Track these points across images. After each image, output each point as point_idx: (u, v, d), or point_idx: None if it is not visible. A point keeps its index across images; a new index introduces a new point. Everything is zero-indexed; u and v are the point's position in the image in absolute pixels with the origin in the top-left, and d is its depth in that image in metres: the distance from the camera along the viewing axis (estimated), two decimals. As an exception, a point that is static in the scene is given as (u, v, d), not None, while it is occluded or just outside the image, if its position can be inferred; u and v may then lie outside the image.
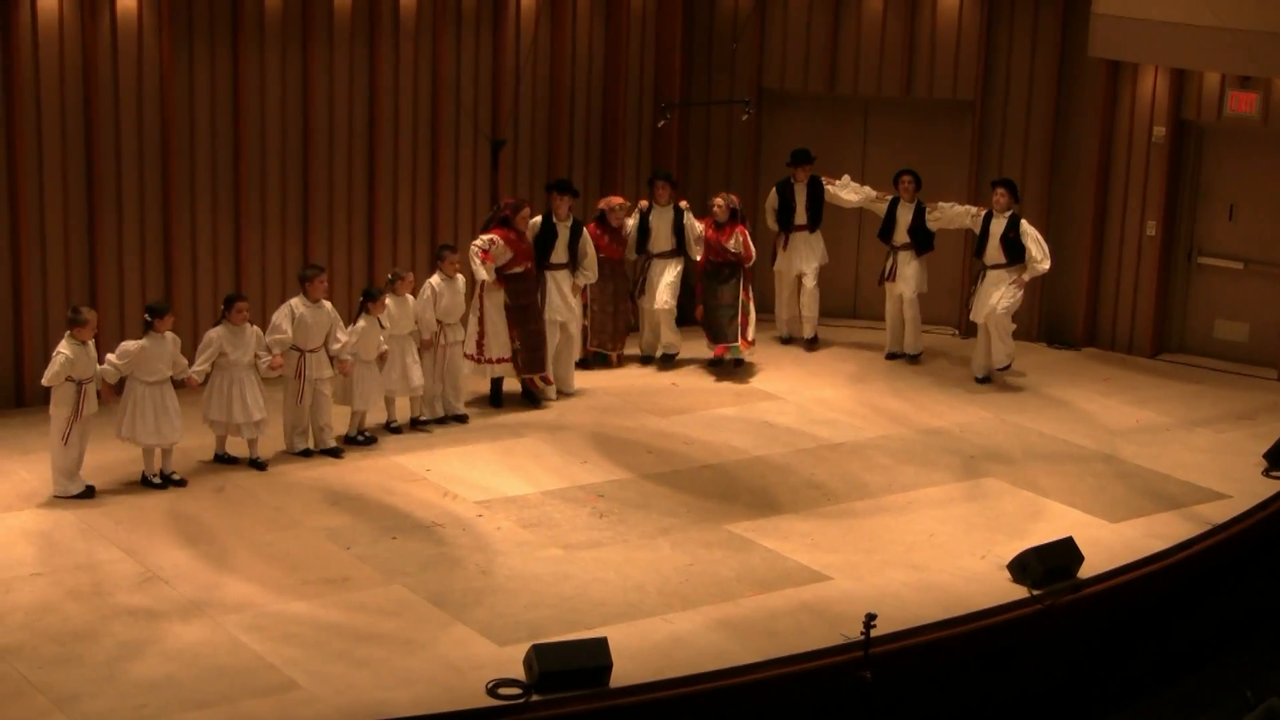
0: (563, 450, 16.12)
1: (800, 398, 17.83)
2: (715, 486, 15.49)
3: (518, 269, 16.99)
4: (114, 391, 14.93)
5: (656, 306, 18.48)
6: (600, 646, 11.89)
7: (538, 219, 17.49)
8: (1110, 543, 14.46)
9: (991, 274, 18.20)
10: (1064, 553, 13.79)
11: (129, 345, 14.75)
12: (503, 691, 11.65)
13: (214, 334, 15.25)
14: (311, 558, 13.69)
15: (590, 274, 17.78)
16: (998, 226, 18.09)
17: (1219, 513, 15.19)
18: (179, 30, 16.73)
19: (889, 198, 18.88)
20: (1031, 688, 13.50)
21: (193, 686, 11.62)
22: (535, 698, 11.61)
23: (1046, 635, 13.39)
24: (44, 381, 14.42)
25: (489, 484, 15.29)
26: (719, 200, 18.34)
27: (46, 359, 16.35)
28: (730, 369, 18.48)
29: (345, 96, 17.72)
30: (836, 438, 16.74)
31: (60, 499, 14.53)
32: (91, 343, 14.54)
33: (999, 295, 18.08)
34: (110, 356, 14.78)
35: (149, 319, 14.85)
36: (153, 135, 16.78)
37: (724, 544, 14.25)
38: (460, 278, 16.59)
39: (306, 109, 17.50)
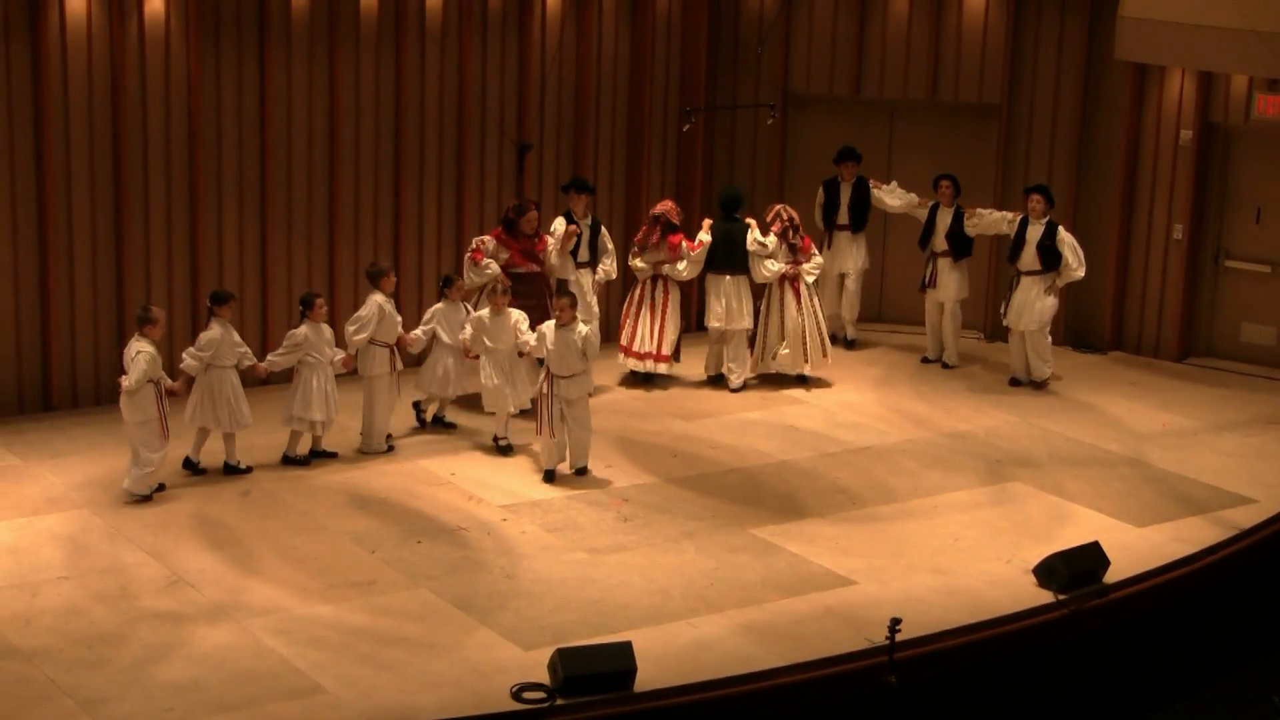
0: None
1: (826, 402, 17.82)
2: (740, 490, 15.48)
3: (519, 269, 16.96)
4: (186, 384, 15.18)
5: (740, 327, 18.27)
6: (625, 650, 11.90)
7: (560, 222, 17.48)
8: (1137, 547, 14.42)
9: (1026, 280, 18.19)
10: (1090, 557, 13.76)
11: (209, 335, 15.07)
12: (527, 695, 11.66)
13: (301, 333, 15.48)
14: (337, 561, 13.72)
15: (609, 270, 17.76)
16: (1034, 233, 18.07)
17: (1246, 517, 15.15)
18: (206, 35, 16.78)
19: (930, 203, 18.88)
20: (1057, 693, 13.47)
21: (219, 690, 11.66)
22: (560, 702, 11.62)
23: (1072, 640, 13.36)
24: (130, 386, 14.42)
25: (513, 488, 15.30)
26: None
27: (74, 364, 16.54)
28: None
29: (371, 101, 17.75)
30: (862, 442, 16.72)
31: (137, 498, 14.73)
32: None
33: (1038, 310, 18.04)
34: (190, 349, 15.14)
35: (213, 307, 15.19)
36: (180, 140, 16.83)
37: (749, 548, 14.24)
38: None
39: (332, 113, 17.53)
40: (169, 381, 14.88)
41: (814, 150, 20.22)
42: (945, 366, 19.01)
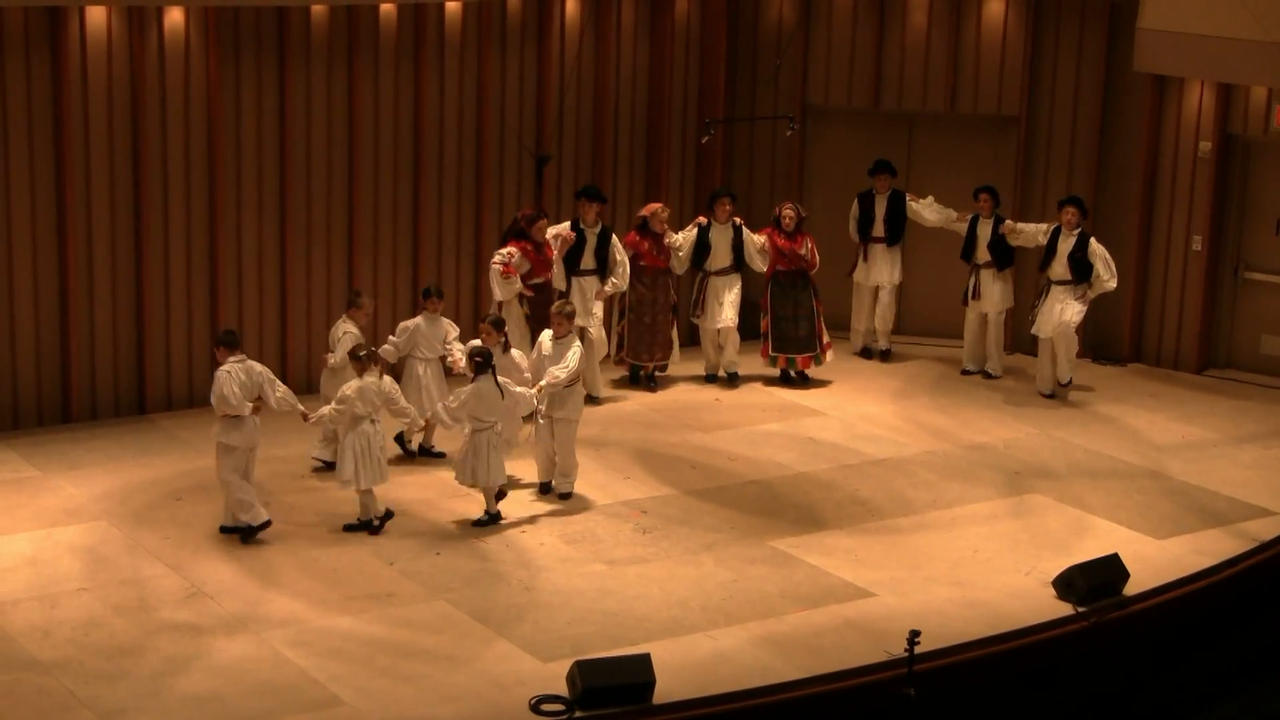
0: (606, 466, 16.13)
1: (844, 413, 17.81)
2: (759, 502, 15.47)
3: (537, 280, 16.99)
4: (385, 368, 15.59)
5: (722, 325, 18.44)
6: (643, 662, 11.89)
7: (563, 226, 17.50)
8: (1156, 559, 14.39)
9: (1056, 289, 18.16)
10: (1109, 569, 13.74)
11: (406, 323, 15.63)
12: (546, 707, 11.65)
13: (410, 323, 15.90)
14: (356, 573, 13.72)
15: (620, 281, 17.77)
16: (1066, 244, 18.03)
17: (1266, 529, 15.11)
18: (226, 47, 16.81)
19: (970, 217, 18.84)
20: (1076, 706, 13.43)
21: (237, 702, 11.66)
22: (578, 714, 11.61)
23: (1092, 653, 13.33)
24: (335, 363, 15.34)
25: (532, 499, 15.28)
26: (789, 209, 18.44)
27: (94, 375, 16.60)
28: (791, 379, 18.64)
29: (390, 112, 17.77)
30: (881, 453, 16.70)
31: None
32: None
33: (1070, 312, 18.03)
34: (390, 337, 15.81)
35: (424, 302, 15.73)
36: (199, 152, 16.86)
37: (767, 560, 14.23)
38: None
39: (352, 125, 17.55)
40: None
41: (833, 162, 20.21)
42: (988, 377, 18.96)
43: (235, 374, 14.03)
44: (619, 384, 18.37)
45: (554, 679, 11.96)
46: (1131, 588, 13.75)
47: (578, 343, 15.24)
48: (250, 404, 14.06)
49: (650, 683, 11.82)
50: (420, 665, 12.27)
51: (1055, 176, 19.71)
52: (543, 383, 15.02)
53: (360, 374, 14.46)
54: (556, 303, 15.53)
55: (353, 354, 14.57)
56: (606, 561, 14.09)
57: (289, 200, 17.35)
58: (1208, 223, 19.20)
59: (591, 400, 17.53)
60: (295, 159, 17.32)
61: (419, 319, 15.89)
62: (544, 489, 15.39)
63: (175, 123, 16.72)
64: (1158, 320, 19.63)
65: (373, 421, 14.43)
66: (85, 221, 16.46)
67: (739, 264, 18.45)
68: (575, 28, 18.70)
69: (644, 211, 18.20)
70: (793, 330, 18.57)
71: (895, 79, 19.94)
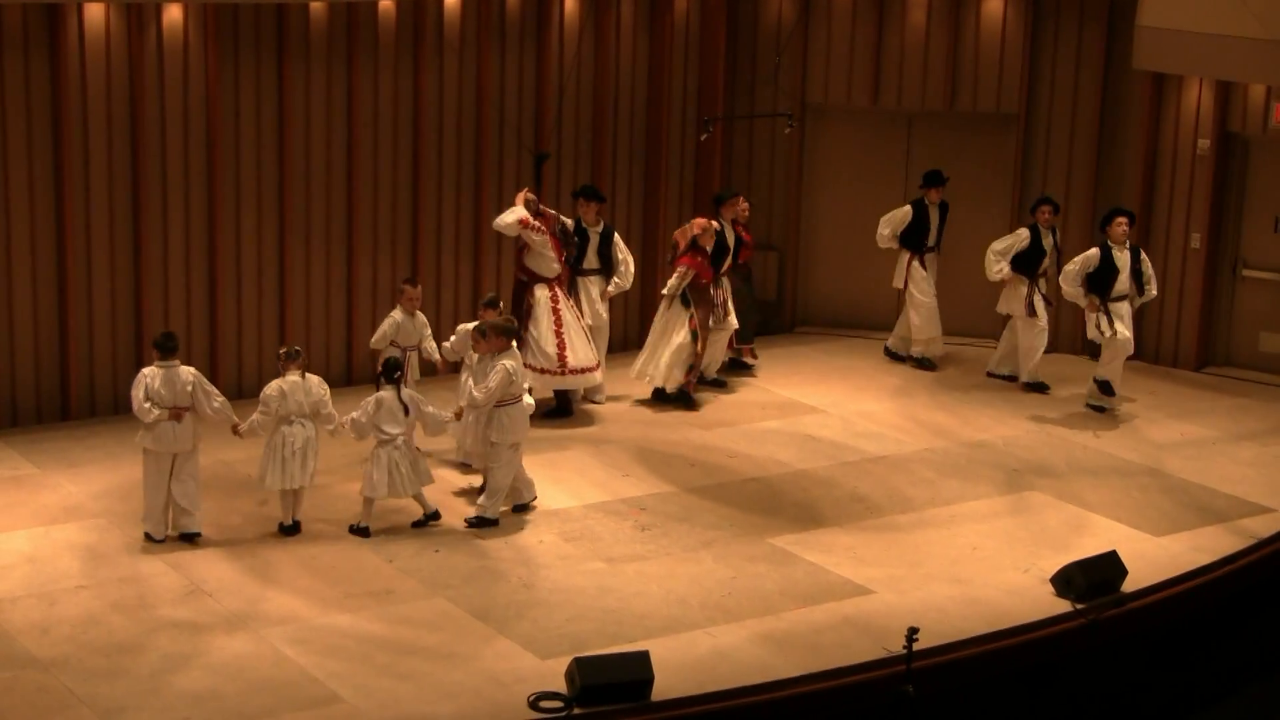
0: (606, 463, 16.13)
1: (844, 411, 17.81)
2: (758, 500, 15.47)
3: (523, 276, 16.99)
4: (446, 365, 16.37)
5: (732, 328, 18.39)
6: (642, 660, 11.90)
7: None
8: (1155, 557, 14.40)
9: (1117, 306, 17.80)
10: (1108, 567, 13.75)
11: (463, 326, 15.66)
12: (545, 705, 11.66)
13: (464, 326, 15.94)
14: (355, 571, 13.73)
15: (624, 281, 17.73)
16: (1124, 258, 17.73)
17: (1265, 526, 15.11)
18: (225, 45, 16.81)
19: (1029, 225, 18.41)
20: (1075, 703, 13.44)
21: (236, 700, 11.67)
22: (577, 711, 11.62)
23: (1090, 650, 13.34)
24: (371, 344, 16.15)
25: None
26: (745, 202, 18.62)
27: (92, 373, 16.59)
28: (747, 366, 18.89)
29: (389, 110, 17.77)
30: (880, 451, 16.71)
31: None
32: (420, 315, 16.09)
33: (1130, 325, 17.92)
34: (452, 337, 15.84)
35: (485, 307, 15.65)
36: (198, 150, 16.85)
37: (767, 557, 14.24)
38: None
39: (351, 124, 17.55)
40: (442, 363, 15.92)
41: (831, 160, 20.21)
42: (1016, 382, 18.81)
43: (149, 379, 13.79)
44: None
45: (553, 676, 11.97)
46: (1130, 585, 13.76)
47: (505, 363, 14.48)
48: (158, 411, 13.72)
49: (649, 680, 11.83)
50: (419, 662, 12.27)
51: (1054, 174, 19.71)
52: (461, 403, 14.83)
53: (282, 373, 14.24)
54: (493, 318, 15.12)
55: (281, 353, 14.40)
56: (605, 559, 14.10)
57: (288, 197, 17.34)
58: (1206, 220, 19.21)
59: (591, 402, 17.57)
60: (294, 156, 17.32)
61: (474, 325, 15.77)
62: (517, 508, 14.96)
63: (174, 120, 16.72)
64: (1156, 318, 19.63)
65: (303, 424, 14.17)
66: (84, 219, 16.46)
67: (735, 264, 18.45)
68: (574, 25, 18.70)
69: (694, 230, 17.58)
70: (746, 320, 18.68)
71: (894, 77, 19.94)
